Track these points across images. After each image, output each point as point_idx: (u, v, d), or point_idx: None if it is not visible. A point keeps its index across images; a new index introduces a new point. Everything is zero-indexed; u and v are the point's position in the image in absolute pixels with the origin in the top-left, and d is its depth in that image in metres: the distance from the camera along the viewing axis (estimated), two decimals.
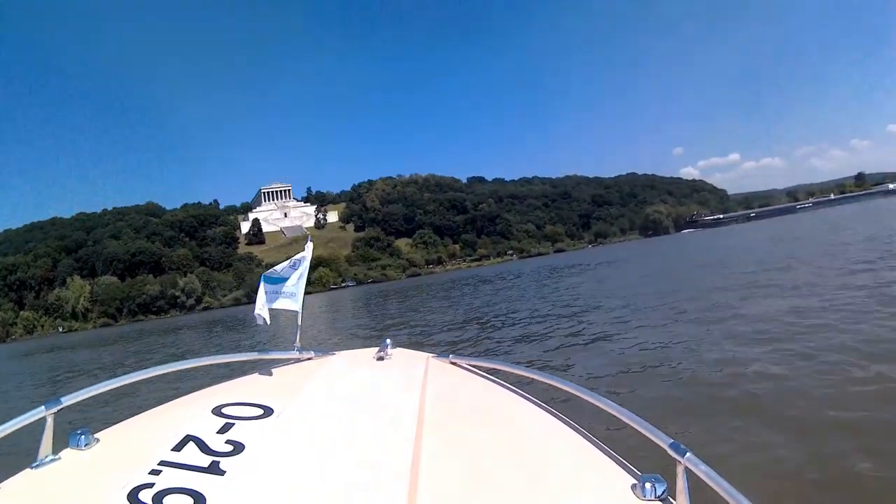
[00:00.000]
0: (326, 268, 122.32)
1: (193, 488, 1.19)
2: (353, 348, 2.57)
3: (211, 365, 2.21)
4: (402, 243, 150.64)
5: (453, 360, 2.21)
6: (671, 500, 1.17)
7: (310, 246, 2.54)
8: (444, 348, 10.01)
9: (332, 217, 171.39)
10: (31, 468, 1.34)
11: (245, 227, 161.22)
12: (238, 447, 1.37)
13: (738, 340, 7.21)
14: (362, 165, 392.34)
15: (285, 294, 2.43)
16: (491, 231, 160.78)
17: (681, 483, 1.16)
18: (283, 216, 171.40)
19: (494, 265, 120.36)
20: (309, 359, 2.27)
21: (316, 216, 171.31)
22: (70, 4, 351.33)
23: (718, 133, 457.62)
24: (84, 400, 1.61)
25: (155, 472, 1.25)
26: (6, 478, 1.30)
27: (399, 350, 2.37)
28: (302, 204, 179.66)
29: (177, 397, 1.80)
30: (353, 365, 2.25)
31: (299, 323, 2.37)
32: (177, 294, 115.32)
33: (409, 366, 2.17)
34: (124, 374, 1.79)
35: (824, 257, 16.27)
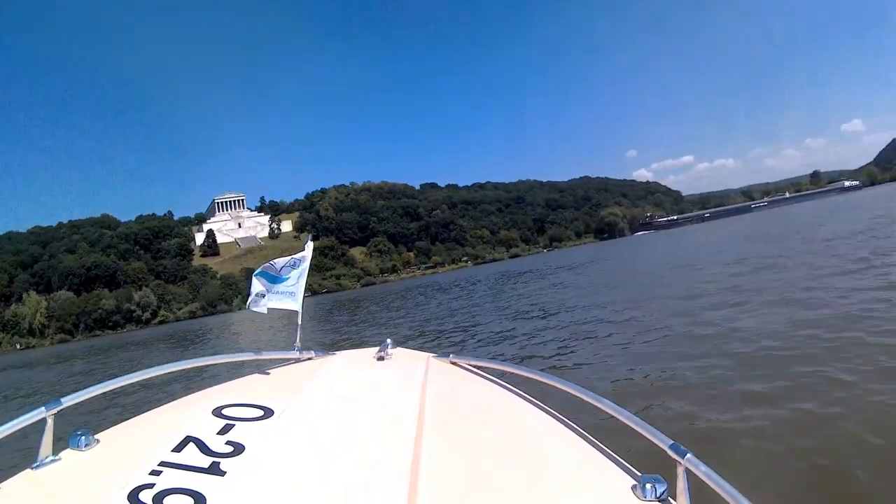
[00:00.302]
0: None
1: (194, 489, 1.22)
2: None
3: (211, 365, 2.40)
4: (357, 252, 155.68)
5: (453, 360, 2.30)
6: (671, 500, 1.19)
7: (310, 245, 2.70)
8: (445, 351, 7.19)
9: (286, 226, 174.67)
10: (31, 469, 1.38)
11: (199, 238, 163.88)
12: (238, 448, 1.41)
13: (751, 366, 5.85)
14: (315, 174, 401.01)
15: (285, 294, 2.56)
16: (445, 238, 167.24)
17: (681, 484, 1.18)
18: (237, 227, 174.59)
19: (449, 272, 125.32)
20: (309, 359, 2.37)
21: (270, 226, 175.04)
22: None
23: (671, 135, 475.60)
24: (84, 400, 1.66)
25: (155, 473, 1.28)
26: (6, 478, 1.34)
27: (399, 350, 2.47)
28: (256, 214, 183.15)
29: (177, 398, 1.86)
30: (354, 365, 2.34)
31: (299, 322, 2.50)
32: (132, 308, 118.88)
33: (409, 366, 2.24)
34: (123, 374, 1.83)
35: (809, 255, 15.11)
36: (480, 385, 2.03)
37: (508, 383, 1.99)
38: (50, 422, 1.47)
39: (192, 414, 1.63)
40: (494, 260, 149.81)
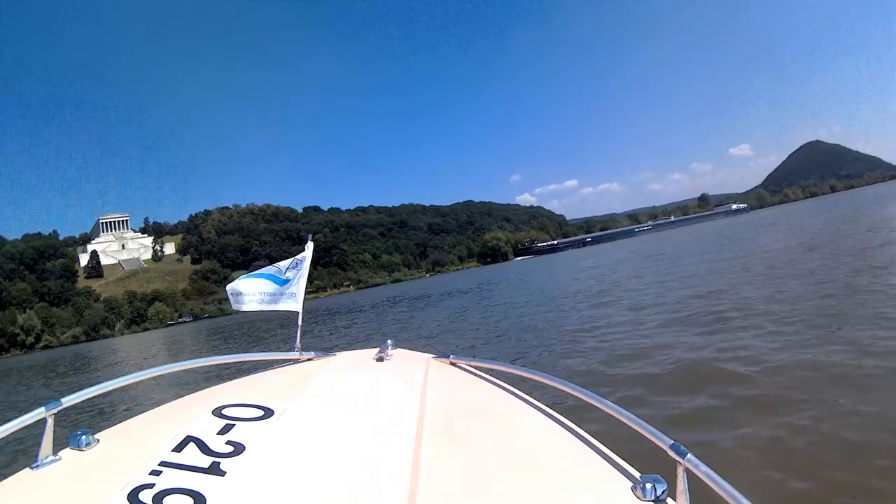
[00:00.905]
0: (162, 303, 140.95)
1: (194, 489, 1.28)
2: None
3: (211, 365, 2.46)
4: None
5: (453, 361, 2.39)
6: (671, 500, 1.25)
7: (310, 246, 2.90)
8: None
9: (170, 249, 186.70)
10: (31, 468, 1.47)
11: (84, 259, 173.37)
12: (238, 448, 1.49)
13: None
14: (199, 195, 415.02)
15: (286, 295, 2.73)
16: (327, 262, 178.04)
17: (681, 484, 1.24)
18: (121, 248, 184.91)
19: (332, 297, 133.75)
20: (309, 359, 2.50)
21: (153, 248, 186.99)
22: None
23: (555, 160, 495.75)
24: (84, 401, 1.76)
25: (155, 473, 1.35)
26: (6, 478, 1.42)
27: (399, 351, 2.58)
28: (140, 235, 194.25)
29: (177, 398, 1.97)
30: (354, 366, 2.44)
31: (300, 323, 2.68)
32: (16, 332, 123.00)
33: (409, 366, 2.34)
34: (125, 374, 1.91)
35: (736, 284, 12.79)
36: (480, 385, 2.13)
37: (508, 383, 2.09)
38: (50, 422, 1.56)
39: (192, 414, 1.71)
40: (377, 285, 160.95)
